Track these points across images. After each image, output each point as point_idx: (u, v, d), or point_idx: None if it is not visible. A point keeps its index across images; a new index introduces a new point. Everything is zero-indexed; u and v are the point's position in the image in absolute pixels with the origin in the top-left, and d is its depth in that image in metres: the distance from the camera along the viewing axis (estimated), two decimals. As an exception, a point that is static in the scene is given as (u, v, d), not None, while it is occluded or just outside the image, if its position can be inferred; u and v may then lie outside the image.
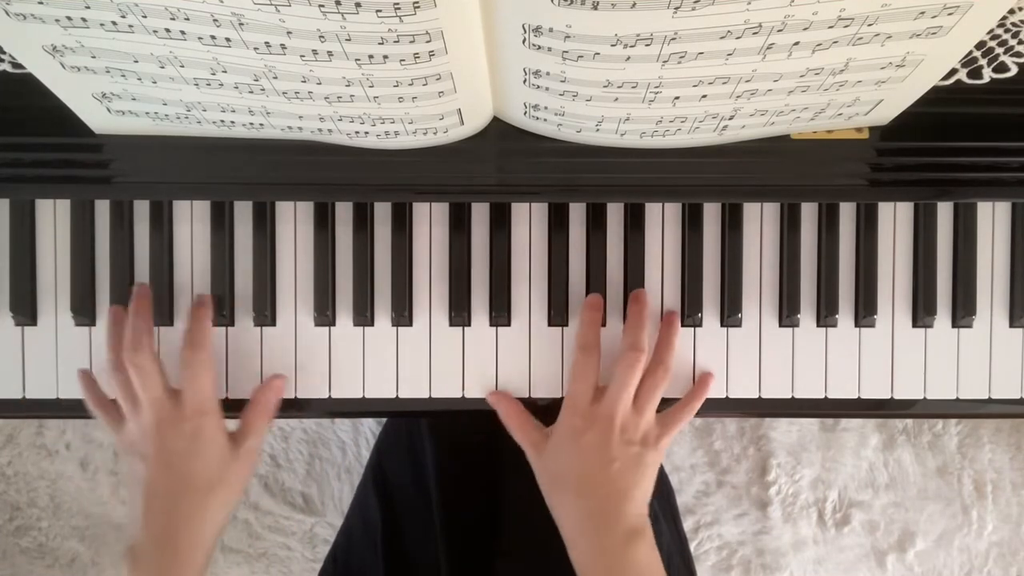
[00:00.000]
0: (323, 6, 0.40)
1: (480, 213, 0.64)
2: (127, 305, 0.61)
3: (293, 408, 0.64)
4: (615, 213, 0.64)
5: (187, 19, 0.43)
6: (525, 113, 0.54)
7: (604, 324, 0.64)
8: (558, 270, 0.64)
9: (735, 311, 0.64)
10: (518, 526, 0.74)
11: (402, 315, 0.63)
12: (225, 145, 0.57)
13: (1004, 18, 0.54)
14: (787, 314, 0.64)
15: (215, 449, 0.58)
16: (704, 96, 0.49)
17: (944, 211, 0.64)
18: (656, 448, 0.60)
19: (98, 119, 0.56)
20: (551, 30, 0.43)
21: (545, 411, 0.63)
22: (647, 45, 0.44)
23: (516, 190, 0.60)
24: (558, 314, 0.64)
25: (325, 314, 0.63)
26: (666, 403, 0.62)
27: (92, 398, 0.61)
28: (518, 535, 0.73)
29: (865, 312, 0.64)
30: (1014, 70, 0.55)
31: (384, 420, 0.99)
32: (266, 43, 0.44)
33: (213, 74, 0.48)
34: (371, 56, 0.45)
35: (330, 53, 0.44)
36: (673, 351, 0.62)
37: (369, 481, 0.82)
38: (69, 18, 0.44)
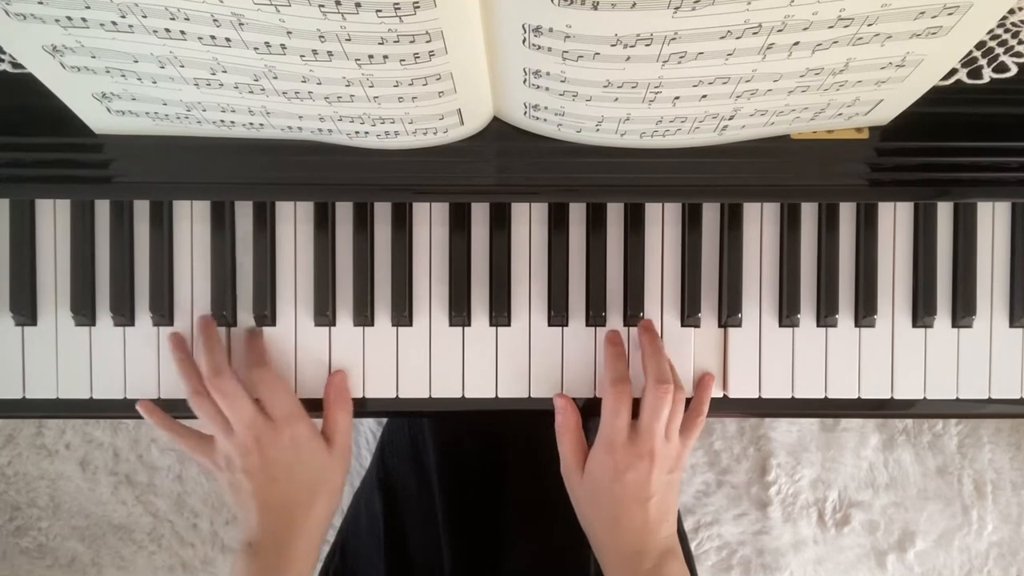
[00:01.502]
0: (323, 6, 0.40)
1: (480, 213, 0.64)
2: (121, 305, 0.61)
3: (293, 408, 0.64)
4: (615, 213, 0.64)
5: (187, 19, 0.43)
6: (525, 113, 0.54)
7: (605, 324, 0.64)
8: (558, 270, 0.64)
9: (735, 311, 0.64)
10: (522, 525, 0.74)
11: (402, 315, 0.63)
12: (225, 145, 0.57)
13: (1004, 18, 0.54)
14: (787, 314, 0.64)
15: (315, 454, 0.61)
16: (704, 96, 0.49)
17: (944, 211, 0.64)
18: (682, 463, 0.61)
19: (98, 119, 0.56)
20: (551, 30, 0.43)
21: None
22: (647, 45, 0.44)
23: (516, 190, 0.60)
24: (558, 314, 0.64)
25: (325, 314, 0.63)
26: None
27: (171, 431, 0.62)
28: (522, 534, 0.73)
29: (865, 312, 0.64)
30: (1014, 70, 0.55)
31: (385, 420, 0.99)
32: (266, 43, 0.44)
33: (213, 74, 0.48)
34: (371, 56, 0.45)
35: (330, 53, 0.44)
36: (668, 367, 0.62)
37: (373, 479, 0.82)
38: (69, 18, 0.44)
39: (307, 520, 0.60)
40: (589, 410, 0.63)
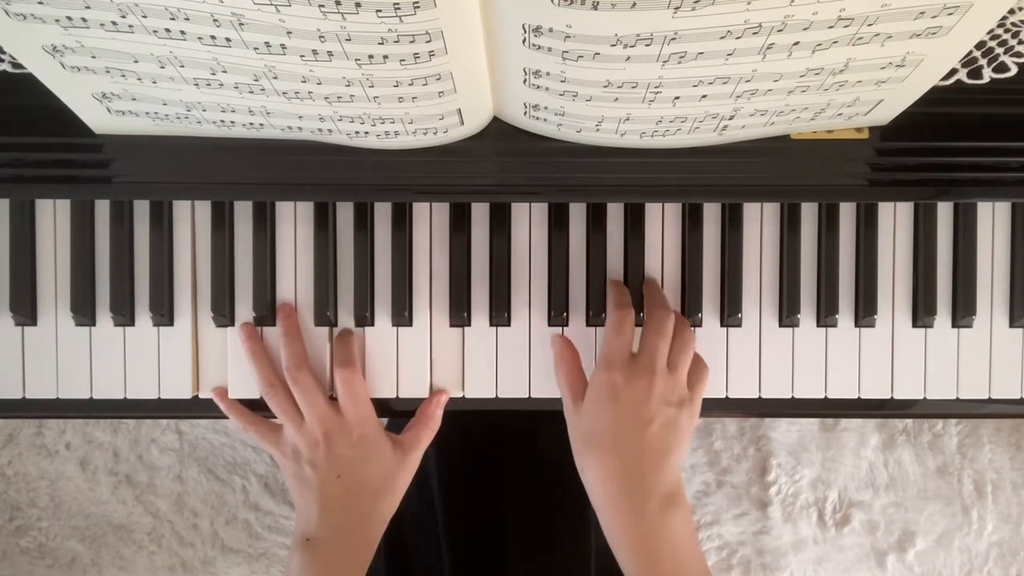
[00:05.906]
0: (323, 6, 0.40)
1: (480, 213, 0.64)
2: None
3: (293, 408, 0.64)
4: (615, 213, 0.64)
5: (187, 19, 0.43)
6: (525, 113, 0.54)
7: (605, 325, 0.64)
8: (558, 270, 0.64)
9: (735, 311, 0.64)
10: (523, 530, 0.73)
11: (402, 315, 0.63)
12: (225, 145, 0.57)
13: (1004, 18, 0.54)
14: (787, 314, 0.64)
15: (381, 455, 0.62)
16: (704, 96, 0.49)
17: (944, 211, 0.64)
18: (691, 409, 0.58)
19: (98, 119, 0.56)
20: (551, 30, 0.43)
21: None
22: (647, 45, 0.44)
23: (516, 190, 0.60)
24: (558, 314, 0.64)
25: (325, 314, 0.63)
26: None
27: (242, 418, 0.63)
28: (523, 539, 0.73)
29: (865, 312, 0.64)
30: (1014, 70, 0.55)
31: (384, 420, 0.98)
32: (266, 43, 0.44)
33: (213, 74, 0.48)
34: (371, 56, 0.45)
35: (330, 53, 0.44)
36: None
37: None
38: (69, 18, 0.44)
39: (366, 519, 0.61)
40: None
